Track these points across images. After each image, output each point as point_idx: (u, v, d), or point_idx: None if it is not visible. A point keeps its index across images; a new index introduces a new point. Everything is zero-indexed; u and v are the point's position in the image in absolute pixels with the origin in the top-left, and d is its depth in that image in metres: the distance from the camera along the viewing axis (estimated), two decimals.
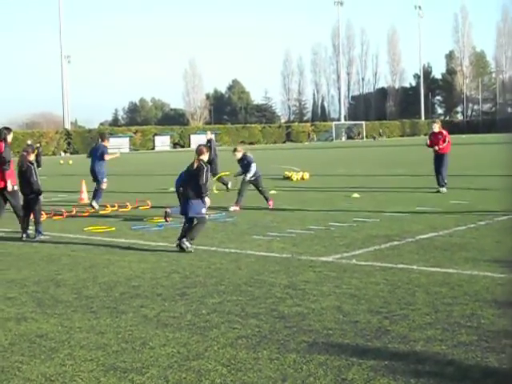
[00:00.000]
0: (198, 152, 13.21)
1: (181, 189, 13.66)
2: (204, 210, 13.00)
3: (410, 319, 7.68)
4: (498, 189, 21.79)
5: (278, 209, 19.01)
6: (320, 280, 9.89)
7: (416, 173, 31.28)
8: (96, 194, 21.05)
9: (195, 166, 13.01)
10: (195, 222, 13.02)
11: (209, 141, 26.97)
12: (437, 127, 22.84)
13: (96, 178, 21.40)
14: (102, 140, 22.11)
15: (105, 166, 21.76)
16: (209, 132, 29.32)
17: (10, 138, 15.97)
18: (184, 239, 12.76)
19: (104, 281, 10.43)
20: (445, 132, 22.72)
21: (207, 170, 12.92)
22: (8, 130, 16.16)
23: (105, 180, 21.39)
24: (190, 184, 12.95)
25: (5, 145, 15.76)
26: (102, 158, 21.50)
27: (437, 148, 22.39)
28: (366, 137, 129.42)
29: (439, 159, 22.52)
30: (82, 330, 7.76)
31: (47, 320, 8.26)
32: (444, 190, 22.04)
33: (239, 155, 19.71)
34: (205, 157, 13.20)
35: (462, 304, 8.25)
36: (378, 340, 6.98)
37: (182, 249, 12.71)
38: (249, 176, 19.40)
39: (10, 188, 15.64)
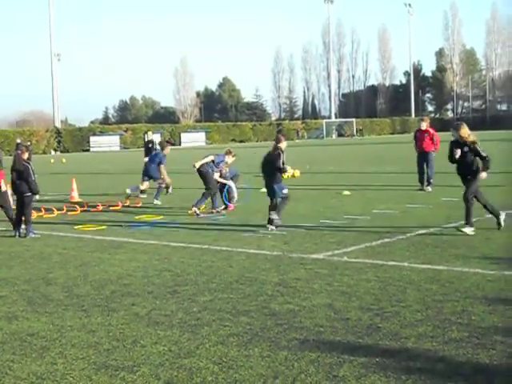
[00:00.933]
0: (277, 140, 15.00)
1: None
2: (286, 191, 14.81)
3: (401, 316, 7.70)
4: (490, 186, 21.83)
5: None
6: (311, 277, 9.90)
7: (406, 170, 31.29)
8: (158, 190, 21.99)
9: (272, 152, 14.75)
10: (279, 200, 14.75)
11: (150, 142, 26.41)
12: (424, 125, 22.72)
13: (153, 178, 22.39)
14: (163, 149, 22.47)
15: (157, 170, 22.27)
16: (149, 132, 27.80)
17: None
18: (272, 212, 14.58)
19: (95, 279, 10.42)
20: (432, 131, 22.64)
21: (282, 155, 14.63)
22: None
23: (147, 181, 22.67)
24: (269, 169, 14.76)
25: None
26: (158, 164, 21.99)
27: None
28: (361, 134, 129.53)
29: (423, 157, 22.40)
30: (73, 328, 7.75)
31: (38, 318, 8.24)
32: (429, 189, 21.96)
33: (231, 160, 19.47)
34: (282, 145, 14.87)
35: (453, 301, 8.28)
36: (369, 337, 7.00)
37: (270, 221, 14.47)
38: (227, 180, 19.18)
39: (3, 188, 15.62)
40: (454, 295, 8.55)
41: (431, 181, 22.24)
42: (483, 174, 13.46)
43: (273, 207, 14.79)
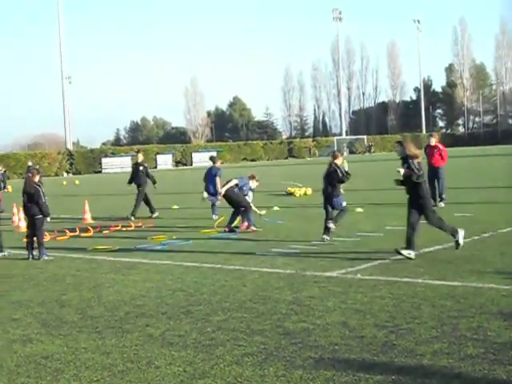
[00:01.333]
0: (333, 157, 16.03)
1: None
2: (344, 203, 15.84)
3: (416, 333, 7.66)
4: (502, 201, 21.76)
5: (281, 225, 18.99)
6: (325, 295, 9.87)
7: None
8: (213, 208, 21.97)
9: (329, 168, 15.72)
10: (338, 212, 15.76)
11: (140, 164, 24.71)
12: (434, 141, 22.69)
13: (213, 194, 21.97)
14: (214, 162, 22.15)
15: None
16: (140, 154, 26.23)
17: None
18: (329, 221, 15.41)
19: (108, 300, 10.42)
20: (441, 146, 22.60)
21: (339, 169, 15.63)
22: None
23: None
24: (328, 183, 15.73)
25: None
26: (215, 178, 21.51)
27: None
28: (371, 150, 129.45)
29: (434, 173, 22.36)
30: (87, 350, 7.75)
31: (52, 341, 8.24)
32: (442, 204, 21.88)
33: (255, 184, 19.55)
34: (338, 161, 15.87)
35: (468, 317, 8.23)
36: (384, 355, 6.96)
37: (327, 229, 15.30)
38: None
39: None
40: (469, 311, 8.50)
41: (443, 196, 22.17)
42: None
43: (329, 218, 15.56)
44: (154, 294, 10.67)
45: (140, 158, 25.40)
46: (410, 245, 12.60)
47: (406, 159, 12.95)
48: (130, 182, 24.74)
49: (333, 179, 15.59)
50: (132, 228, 20.31)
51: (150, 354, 7.43)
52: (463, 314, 8.39)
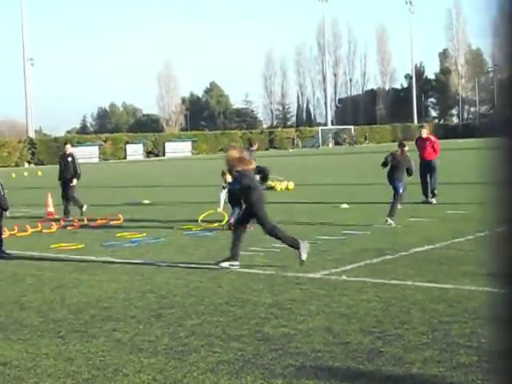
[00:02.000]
0: (402, 146, 18.39)
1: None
2: (401, 190, 18.10)
3: (405, 339, 7.69)
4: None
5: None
6: (307, 298, 9.89)
7: (408, 181, 31.37)
8: None
9: (400, 155, 18.18)
10: (397, 195, 17.99)
11: (69, 155, 24.24)
12: (425, 132, 22.92)
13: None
14: (251, 145, 22.71)
15: None
16: (68, 146, 25.49)
17: None
18: (387, 217, 17.21)
19: (73, 302, 10.38)
20: (433, 138, 22.79)
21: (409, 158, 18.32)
22: None
23: None
24: (396, 169, 18.04)
25: None
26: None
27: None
28: (355, 142, 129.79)
29: (426, 167, 22.46)
30: (49, 356, 7.72)
31: (11, 346, 8.20)
32: (434, 200, 22.03)
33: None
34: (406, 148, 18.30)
35: (461, 322, 8.28)
36: (370, 362, 6.99)
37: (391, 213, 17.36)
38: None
39: None
40: (462, 316, 8.55)
41: (435, 192, 22.31)
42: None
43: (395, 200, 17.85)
44: (121, 296, 10.64)
45: (68, 148, 24.87)
46: (234, 256, 12.64)
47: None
48: (60, 178, 23.93)
49: (401, 166, 18.02)
50: (99, 224, 20.24)
51: (117, 361, 7.41)
52: (456, 319, 8.44)
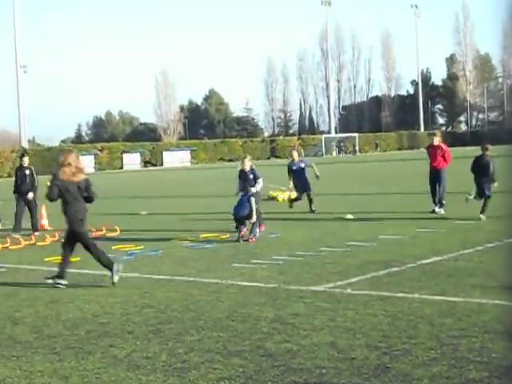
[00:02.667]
0: (485, 149, 20.43)
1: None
2: (489, 192, 20.11)
3: (413, 355, 7.68)
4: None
5: (262, 234, 18.98)
6: (311, 312, 9.88)
7: (415, 190, 31.39)
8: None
9: (485, 159, 20.19)
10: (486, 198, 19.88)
11: (27, 168, 23.40)
12: (437, 140, 22.87)
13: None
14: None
15: None
16: (25, 158, 24.44)
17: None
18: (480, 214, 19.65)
19: (68, 318, 10.37)
20: (444, 146, 22.77)
21: (493, 162, 20.00)
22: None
23: None
24: (481, 171, 20.19)
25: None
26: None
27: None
28: (360, 151, 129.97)
29: (436, 175, 22.48)
30: (43, 374, 7.70)
31: (4, 363, 8.19)
32: (442, 211, 22.00)
33: (248, 165, 18.97)
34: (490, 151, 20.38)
35: (471, 336, 8.26)
36: (377, 379, 6.97)
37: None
38: (254, 190, 18.43)
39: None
40: (471, 330, 8.54)
41: (443, 202, 22.29)
42: None
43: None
44: (119, 311, 10.63)
45: (26, 161, 24.50)
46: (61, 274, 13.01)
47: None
48: (15, 192, 23.58)
49: (486, 169, 19.96)
50: (94, 236, 20.22)
51: (114, 378, 7.40)
52: (465, 333, 8.42)
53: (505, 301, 9.93)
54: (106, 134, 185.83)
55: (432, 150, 22.74)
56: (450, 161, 22.80)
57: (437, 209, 22.03)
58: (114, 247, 17.70)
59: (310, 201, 24.35)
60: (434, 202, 22.40)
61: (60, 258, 13.22)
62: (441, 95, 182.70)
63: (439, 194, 22.34)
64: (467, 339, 8.16)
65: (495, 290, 10.69)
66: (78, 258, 16.09)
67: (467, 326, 8.71)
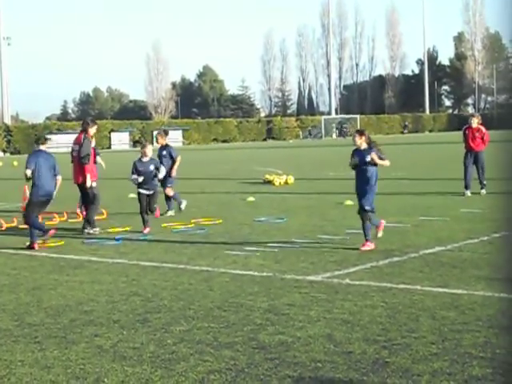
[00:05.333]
0: None
1: None
2: None
3: (413, 349, 7.71)
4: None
5: (256, 219, 19.00)
6: (307, 303, 9.90)
7: (419, 176, 31.42)
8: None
9: None
10: None
11: None
12: (475, 122, 23.49)
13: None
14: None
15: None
16: None
17: (92, 130, 17.64)
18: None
19: (50, 305, 10.38)
20: (483, 129, 23.33)
21: None
22: (93, 122, 18.03)
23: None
24: None
25: (84, 137, 17.43)
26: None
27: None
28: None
29: (475, 158, 23.31)
30: (24, 363, 7.72)
31: None
32: (484, 192, 23.06)
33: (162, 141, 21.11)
34: None
35: (474, 331, 8.29)
36: (375, 374, 7.00)
37: None
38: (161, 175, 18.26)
39: (88, 184, 17.36)
40: (475, 324, 8.57)
41: (484, 182, 23.00)
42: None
43: None
44: (104, 299, 10.65)
45: None
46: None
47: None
48: None
49: None
50: (81, 219, 20.22)
51: (98, 370, 7.42)
52: (468, 327, 8.46)
53: (510, 294, 9.97)
54: (93, 111, 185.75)
55: (470, 131, 23.35)
56: (488, 143, 23.36)
57: (483, 191, 22.94)
58: (100, 231, 17.69)
59: None
60: (466, 185, 22.92)
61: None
62: (448, 76, 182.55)
63: (479, 176, 23.00)
64: (470, 334, 8.19)
65: (500, 282, 10.71)
66: (62, 242, 16.12)
67: (471, 320, 8.74)
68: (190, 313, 9.61)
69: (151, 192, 17.60)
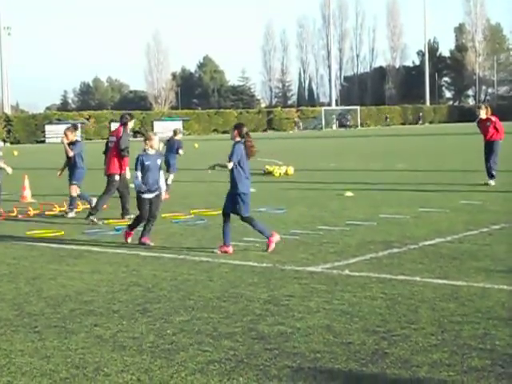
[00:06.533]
0: None
1: None
2: None
3: (412, 340, 7.71)
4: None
5: (256, 210, 18.99)
6: (306, 294, 9.91)
7: (419, 167, 31.41)
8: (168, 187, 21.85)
9: None
10: None
11: None
12: (483, 113, 23.55)
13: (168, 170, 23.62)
14: (175, 134, 24.91)
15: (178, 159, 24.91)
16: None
17: (130, 124, 18.49)
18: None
19: (50, 295, 10.39)
20: (493, 118, 23.34)
21: None
22: (131, 116, 18.89)
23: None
24: None
25: (123, 130, 18.08)
26: (177, 151, 24.54)
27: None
28: (361, 125, 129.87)
29: (489, 147, 23.45)
30: (24, 353, 7.72)
31: None
32: (492, 182, 22.83)
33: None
34: None
35: (473, 322, 8.29)
36: (374, 365, 7.00)
37: None
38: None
39: (128, 176, 17.98)
40: (474, 316, 8.57)
41: (493, 173, 22.96)
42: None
43: None
44: (104, 289, 10.65)
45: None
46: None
47: None
48: None
49: None
50: (80, 209, 20.22)
51: (98, 359, 7.42)
52: (468, 319, 8.46)
53: (510, 285, 9.97)
54: (93, 102, 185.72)
55: (482, 123, 23.47)
56: (503, 132, 23.41)
57: (491, 182, 23.07)
58: (105, 221, 17.68)
59: None
60: (489, 174, 23.10)
61: None
62: (448, 67, 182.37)
63: (490, 165, 23.01)
64: (470, 325, 8.20)
65: (500, 274, 10.72)
66: (62, 232, 16.12)
67: (470, 312, 8.75)
68: (189, 303, 9.62)
69: (155, 194, 14.63)
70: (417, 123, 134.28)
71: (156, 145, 14.96)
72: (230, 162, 13.23)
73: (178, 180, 24.32)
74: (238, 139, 13.46)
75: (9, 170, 18.18)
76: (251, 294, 10.03)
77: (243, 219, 13.56)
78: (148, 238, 14.49)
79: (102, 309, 9.50)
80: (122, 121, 18.62)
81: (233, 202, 13.38)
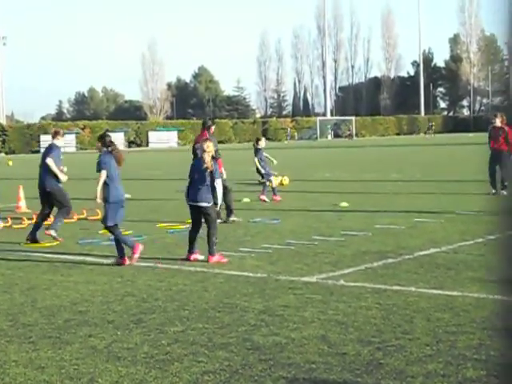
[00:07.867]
0: None
1: None
2: None
3: (407, 351, 7.71)
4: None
5: (251, 220, 19.01)
6: (301, 304, 9.90)
7: (413, 178, 31.43)
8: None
9: None
10: None
11: None
12: (498, 121, 23.45)
13: None
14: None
15: None
16: None
17: (213, 128, 19.10)
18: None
19: (45, 305, 10.37)
20: (507, 128, 23.26)
21: None
22: (212, 120, 19.44)
23: None
24: None
25: (209, 134, 18.26)
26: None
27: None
28: (356, 135, 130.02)
29: (497, 157, 23.17)
30: (18, 363, 7.71)
31: None
32: (504, 192, 22.73)
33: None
34: None
35: (468, 333, 8.29)
36: (369, 375, 7.00)
37: None
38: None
39: (225, 176, 18.45)
40: (469, 326, 8.57)
41: (506, 183, 22.88)
42: None
43: None
44: (98, 299, 10.64)
45: None
46: None
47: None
48: None
49: None
50: (75, 219, 20.21)
51: (92, 370, 7.41)
52: (463, 329, 8.46)
53: (505, 296, 9.97)
54: (88, 111, 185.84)
55: (494, 131, 23.40)
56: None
57: (499, 190, 22.67)
58: (99, 232, 17.66)
59: None
60: (493, 185, 22.92)
61: None
62: (443, 78, 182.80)
63: (502, 177, 22.90)
64: (465, 335, 8.19)
65: (495, 284, 10.72)
66: (56, 243, 16.10)
67: (465, 322, 8.75)
68: (184, 313, 9.61)
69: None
70: (425, 133, 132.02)
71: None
72: (100, 172, 13.59)
73: (173, 189, 24.33)
74: (104, 149, 13.84)
75: None
76: (246, 304, 10.02)
77: (106, 228, 13.81)
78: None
79: (97, 319, 9.49)
80: (205, 125, 19.00)
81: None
